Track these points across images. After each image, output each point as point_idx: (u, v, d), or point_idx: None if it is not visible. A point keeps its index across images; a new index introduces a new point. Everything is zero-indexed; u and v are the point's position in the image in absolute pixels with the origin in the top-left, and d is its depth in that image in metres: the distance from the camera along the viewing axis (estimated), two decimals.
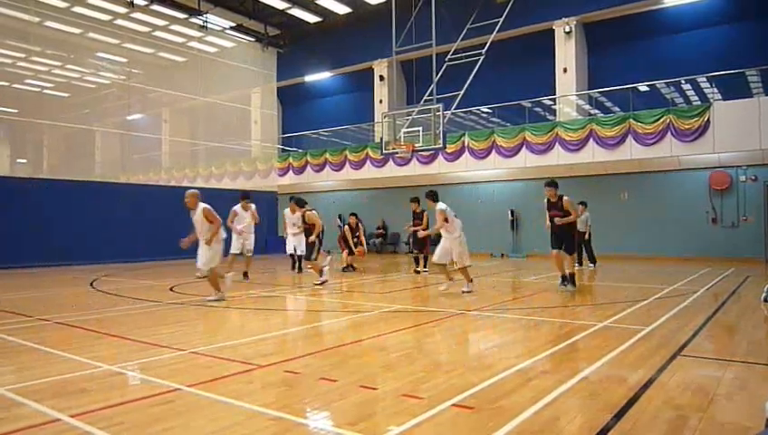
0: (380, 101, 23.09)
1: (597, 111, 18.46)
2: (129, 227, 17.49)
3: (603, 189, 17.71)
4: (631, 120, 15.94)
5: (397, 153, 16.61)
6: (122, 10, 20.66)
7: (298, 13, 22.48)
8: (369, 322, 6.81)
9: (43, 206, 15.72)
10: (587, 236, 14.13)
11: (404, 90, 23.13)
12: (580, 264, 13.88)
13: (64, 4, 19.59)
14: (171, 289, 10.21)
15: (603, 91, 18.30)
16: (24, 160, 22.81)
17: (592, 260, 14.33)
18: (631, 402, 3.49)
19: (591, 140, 16.55)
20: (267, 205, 23.78)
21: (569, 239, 9.26)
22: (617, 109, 17.91)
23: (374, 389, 3.88)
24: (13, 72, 21.09)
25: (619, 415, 3.27)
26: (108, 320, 6.95)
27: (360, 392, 3.79)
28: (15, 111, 19.75)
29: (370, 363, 4.74)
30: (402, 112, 16.95)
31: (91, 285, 11.07)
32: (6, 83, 20.61)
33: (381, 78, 23.21)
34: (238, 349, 5.26)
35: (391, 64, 22.19)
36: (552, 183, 9.33)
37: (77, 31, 20.66)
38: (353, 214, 15.02)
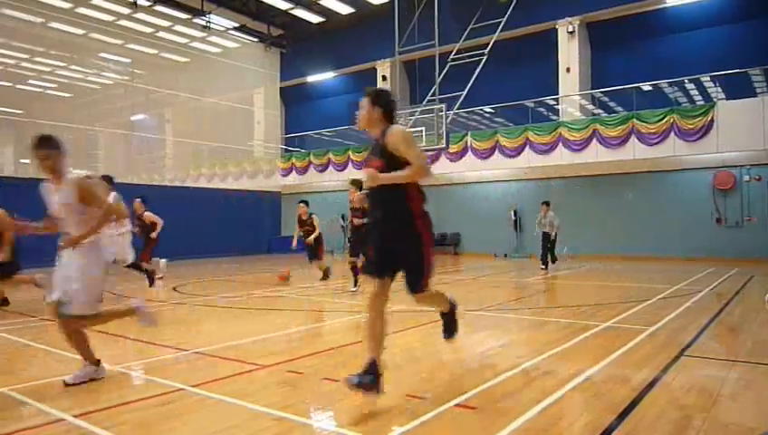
0: None
1: (600, 111, 18.41)
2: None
3: (606, 189, 17.66)
4: (635, 119, 15.89)
5: None
6: (125, 11, 20.71)
7: (301, 13, 22.50)
8: None
9: (46, 206, 15.77)
10: (553, 237, 13.45)
11: (407, 90, 23.10)
12: (546, 265, 13.43)
13: (68, 5, 19.65)
14: (174, 289, 10.22)
15: (606, 91, 18.26)
16: (28, 160, 22.90)
17: (545, 262, 13.45)
18: (635, 403, 3.48)
19: (595, 139, 16.50)
20: (271, 205, 23.88)
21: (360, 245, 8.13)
22: (620, 109, 17.86)
23: None
24: (17, 73, 21.18)
25: (622, 415, 3.26)
26: None
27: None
28: (20, 111, 19.83)
29: None
30: (405, 112, 16.94)
31: None
32: (10, 84, 20.70)
33: (384, 78, 23.21)
34: (241, 349, 5.26)
35: (394, 64, 22.15)
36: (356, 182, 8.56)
37: (80, 32, 20.73)
38: (303, 201, 10.85)
